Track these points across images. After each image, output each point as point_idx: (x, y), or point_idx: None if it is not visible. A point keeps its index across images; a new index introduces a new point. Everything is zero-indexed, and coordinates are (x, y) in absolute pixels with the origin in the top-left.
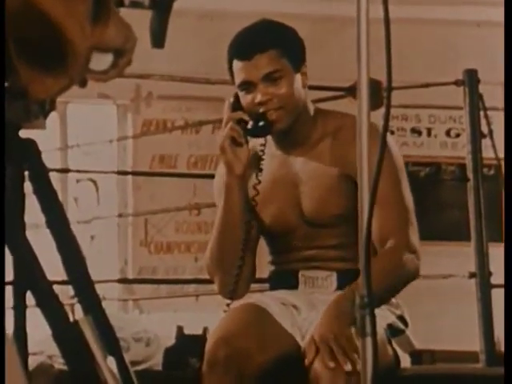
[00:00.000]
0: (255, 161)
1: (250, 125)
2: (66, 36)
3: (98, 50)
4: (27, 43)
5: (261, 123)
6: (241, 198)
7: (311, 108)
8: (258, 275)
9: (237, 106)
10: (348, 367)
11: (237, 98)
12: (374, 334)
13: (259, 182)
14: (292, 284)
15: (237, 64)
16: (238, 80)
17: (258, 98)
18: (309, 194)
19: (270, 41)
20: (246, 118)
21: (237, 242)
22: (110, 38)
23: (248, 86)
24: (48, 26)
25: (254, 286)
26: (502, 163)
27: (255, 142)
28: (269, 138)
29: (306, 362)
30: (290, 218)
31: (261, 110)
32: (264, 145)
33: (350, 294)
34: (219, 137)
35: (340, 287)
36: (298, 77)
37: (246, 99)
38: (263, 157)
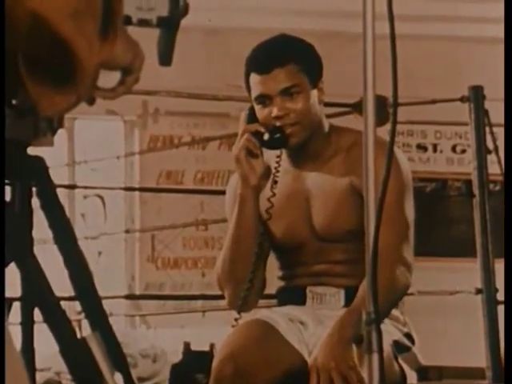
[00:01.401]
0: (269, 173)
1: (266, 136)
2: (74, 54)
3: (106, 67)
4: (36, 61)
5: (277, 135)
6: (254, 209)
7: (326, 124)
8: (265, 291)
9: (252, 118)
10: None
11: (252, 110)
12: (380, 350)
13: (274, 194)
14: (300, 300)
15: (254, 77)
16: (254, 93)
17: (275, 112)
18: (320, 209)
19: (288, 55)
20: (261, 129)
21: (249, 254)
22: (118, 55)
23: (265, 99)
24: (57, 44)
25: (261, 301)
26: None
27: (270, 155)
28: (282, 152)
29: None
30: (300, 232)
31: (277, 124)
32: (279, 157)
33: (356, 314)
34: (235, 148)
35: (347, 304)
36: (315, 92)
37: (262, 113)
38: (279, 169)
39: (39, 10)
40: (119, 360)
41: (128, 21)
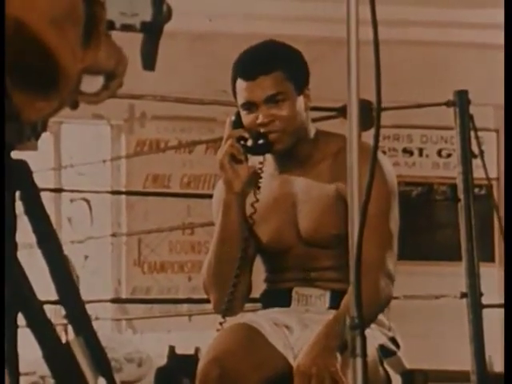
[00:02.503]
0: (254, 179)
1: (249, 142)
2: (57, 60)
3: (89, 72)
4: (19, 67)
5: (260, 141)
6: (238, 215)
7: (312, 130)
8: (251, 295)
9: (238, 123)
10: None
11: (238, 115)
12: (364, 354)
13: (257, 200)
14: (285, 302)
15: (240, 83)
16: (240, 99)
17: (260, 118)
18: (306, 214)
19: (275, 63)
20: (246, 135)
21: (233, 259)
22: (101, 60)
23: (250, 106)
24: (40, 50)
25: (247, 305)
26: (493, 183)
27: (254, 160)
28: (269, 157)
29: None
30: (286, 237)
31: (262, 131)
32: (262, 163)
33: (341, 322)
34: (219, 153)
35: (332, 306)
36: (301, 99)
37: (247, 119)
38: (262, 175)
39: (21, 16)
40: (103, 365)
41: (111, 26)
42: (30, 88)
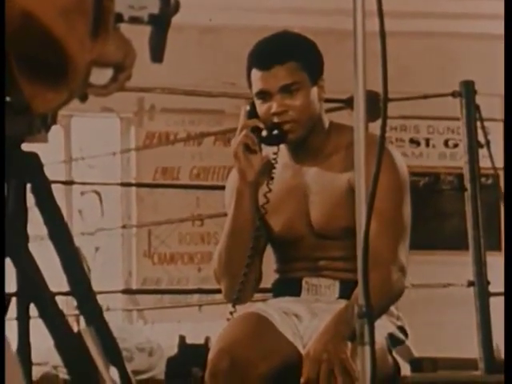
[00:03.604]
0: (267, 169)
1: (264, 133)
2: (66, 52)
3: (98, 64)
4: (29, 59)
5: (275, 132)
6: (251, 204)
7: (326, 121)
8: (261, 285)
9: (253, 113)
10: None
11: (253, 105)
12: (372, 343)
13: (270, 190)
14: (295, 291)
15: (255, 73)
16: (255, 89)
17: (274, 108)
18: (318, 205)
19: (290, 53)
20: (260, 125)
21: (245, 248)
22: (109, 53)
23: (265, 95)
24: (49, 42)
25: (256, 295)
26: (500, 173)
27: (268, 151)
28: (282, 147)
29: (301, 380)
30: (298, 227)
31: (275, 120)
32: (276, 153)
33: (353, 310)
34: (233, 143)
35: (342, 296)
36: (315, 90)
37: (261, 108)
38: (275, 165)
39: (30, 8)
40: (114, 354)
41: (120, 18)
42: (40, 80)
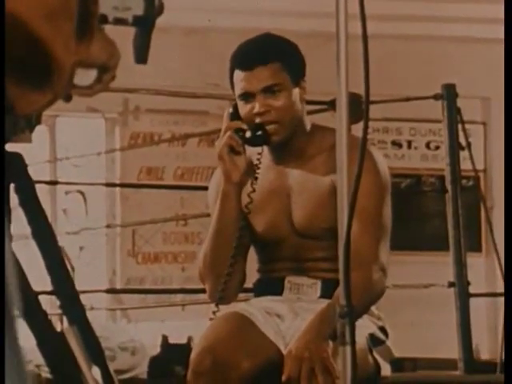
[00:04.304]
0: (251, 169)
1: (248, 134)
2: (51, 53)
3: (82, 65)
4: (13, 60)
5: (258, 133)
6: (236, 205)
7: (308, 123)
8: (245, 285)
9: (235, 115)
10: None
11: (235, 108)
12: (353, 342)
13: (254, 190)
14: (277, 290)
15: (238, 74)
16: (238, 90)
17: (256, 108)
18: (300, 205)
19: (272, 54)
20: (244, 127)
21: (230, 248)
22: (94, 54)
23: (247, 96)
24: (33, 44)
25: (240, 295)
26: (480, 175)
27: (252, 152)
28: (265, 149)
29: (283, 378)
30: (280, 228)
31: (258, 121)
32: (260, 154)
33: (334, 308)
34: (217, 145)
35: (324, 295)
36: (297, 91)
37: (244, 109)
38: (259, 166)
39: (15, 10)
40: (97, 353)
41: (104, 20)
42: (24, 81)
